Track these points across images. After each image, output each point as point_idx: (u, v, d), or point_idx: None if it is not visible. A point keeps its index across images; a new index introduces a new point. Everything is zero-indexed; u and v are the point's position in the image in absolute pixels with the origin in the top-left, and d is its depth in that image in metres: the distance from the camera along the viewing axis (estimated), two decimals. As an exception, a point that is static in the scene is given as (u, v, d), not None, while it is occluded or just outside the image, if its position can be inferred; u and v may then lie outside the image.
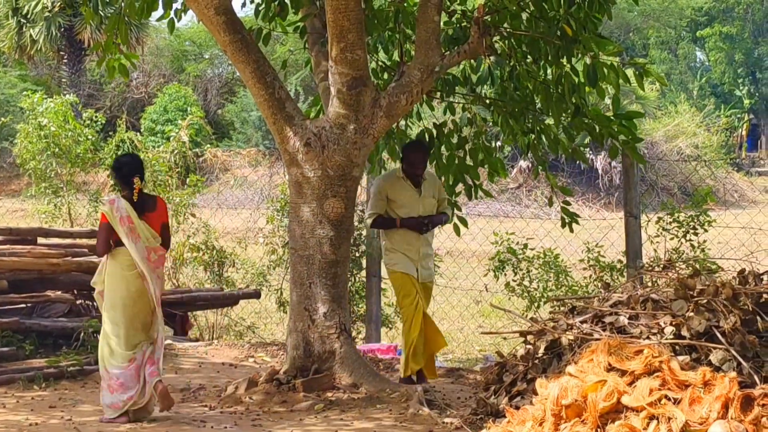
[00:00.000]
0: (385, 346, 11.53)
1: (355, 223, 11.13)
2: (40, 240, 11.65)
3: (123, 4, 9.76)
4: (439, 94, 10.15)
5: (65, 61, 37.47)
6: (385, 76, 10.17)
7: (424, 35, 8.72)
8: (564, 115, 9.48)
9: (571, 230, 10.06)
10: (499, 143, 11.24)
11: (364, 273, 12.46)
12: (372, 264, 12.28)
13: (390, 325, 12.91)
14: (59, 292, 11.00)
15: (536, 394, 5.84)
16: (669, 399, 5.32)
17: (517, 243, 11.80)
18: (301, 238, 8.76)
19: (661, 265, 8.70)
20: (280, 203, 13.20)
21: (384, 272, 12.61)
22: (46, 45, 34.57)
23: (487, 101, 10.13)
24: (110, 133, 18.46)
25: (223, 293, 12.77)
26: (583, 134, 9.81)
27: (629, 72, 8.98)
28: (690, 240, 10.75)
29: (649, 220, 11.02)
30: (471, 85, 10.18)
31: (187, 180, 14.67)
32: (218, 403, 8.55)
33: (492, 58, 9.42)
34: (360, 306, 12.50)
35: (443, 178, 10.16)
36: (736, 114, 51.61)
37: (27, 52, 35.11)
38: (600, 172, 34.12)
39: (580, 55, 8.96)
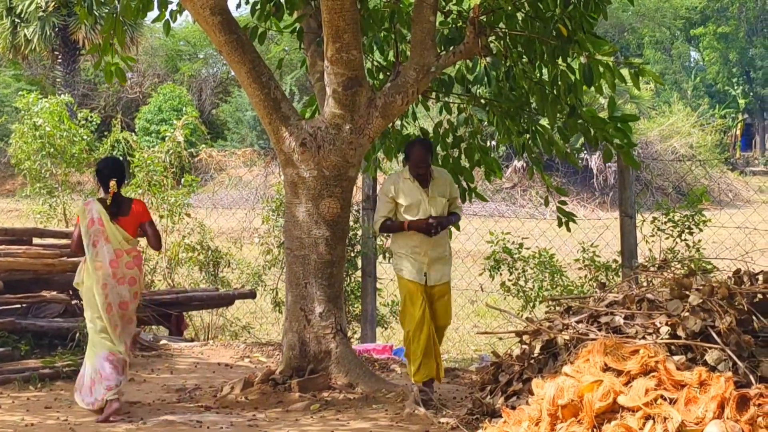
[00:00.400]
0: (380, 346, 11.53)
1: (351, 223, 11.13)
2: (36, 240, 11.65)
3: (118, 5, 9.76)
4: (434, 94, 10.15)
5: (60, 60, 37.47)
6: (381, 76, 10.17)
7: (420, 35, 8.72)
8: (559, 115, 9.49)
9: (568, 229, 10.07)
10: (494, 143, 11.24)
11: (359, 273, 12.46)
12: (367, 264, 12.29)
13: (385, 325, 12.91)
14: (54, 293, 10.99)
15: (532, 394, 5.85)
16: (665, 399, 5.32)
17: (513, 243, 11.80)
18: (296, 238, 8.76)
19: (657, 265, 8.72)
20: (276, 203, 13.19)
21: (379, 272, 12.65)
22: (41, 45, 34.55)
23: (483, 101, 10.14)
24: (105, 133, 18.44)
25: (218, 293, 12.77)
26: (578, 135, 9.82)
27: (624, 72, 8.99)
28: (685, 240, 10.76)
29: (644, 220, 11.02)
30: (466, 85, 10.19)
31: (182, 180, 14.66)
32: (214, 403, 8.54)
33: (487, 58, 9.44)
34: (355, 306, 12.51)
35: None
36: (730, 114, 51.69)
37: (21, 52, 35.08)
38: (595, 171, 34.15)
39: (575, 55, 8.98)
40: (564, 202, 10.13)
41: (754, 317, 6.85)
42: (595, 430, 5.27)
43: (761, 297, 7.10)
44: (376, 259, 12.42)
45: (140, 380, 9.79)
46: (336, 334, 8.65)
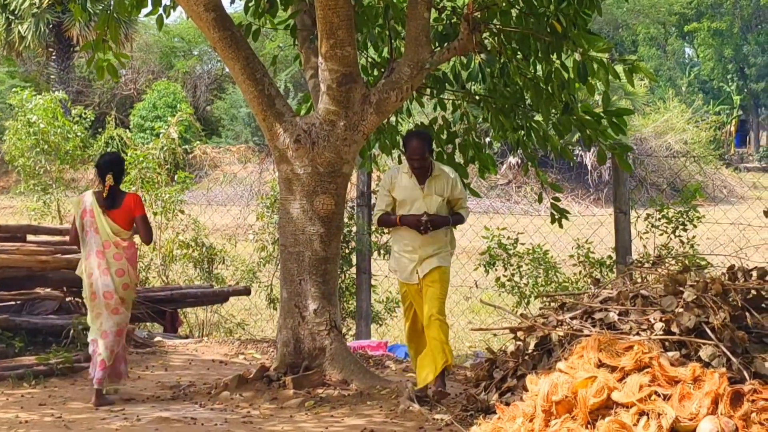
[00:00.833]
0: (375, 342, 11.53)
1: (345, 220, 11.13)
2: (30, 237, 11.63)
3: (112, 2, 9.74)
4: (429, 90, 10.15)
5: (54, 57, 37.40)
6: (375, 72, 10.17)
7: (414, 32, 8.71)
8: (553, 111, 9.50)
9: (561, 226, 10.07)
10: (488, 140, 11.24)
11: (354, 270, 12.46)
12: (362, 260, 12.29)
13: (380, 322, 12.92)
14: (49, 290, 10.99)
15: (526, 390, 5.85)
16: (659, 395, 5.33)
17: (508, 239, 11.81)
18: (291, 234, 8.76)
19: (651, 261, 8.73)
20: (270, 200, 13.18)
21: (374, 269, 12.65)
22: (35, 41, 34.49)
23: (477, 98, 10.14)
24: (99, 129, 18.47)
25: (213, 290, 12.76)
26: (573, 132, 9.83)
27: (619, 68, 9.00)
28: (679, 236, 10.77)
29: (638, 217, 11.03)
30: (461, 81, 10.18)
31: (176, 177, 14.65)
32: (208, 400, 8.54)
33: (482, 54, 9.42)
34: (350, 303, 12.51)
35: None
36: (724, 110, 51.72)
37: (15, 49, 35.01)
38: (589, 168, 34.16)
39: (569, 52, 8.98)
40: (558, 199, 10.13)
41: (747, 313, 6.86)
42: (589, 426, 5.28)
43: (755, 293, 7.11)
44: (370, 256, 12.43)
45: (134, 377, 9.78)
46: (330, 331, 8.65)
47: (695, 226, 10.89)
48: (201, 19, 8.70)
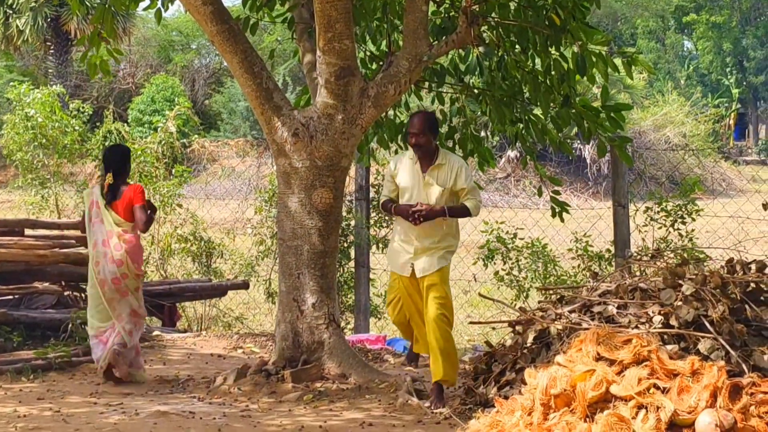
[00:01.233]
0: (373, 336, 11.53)
1: (344, 214, 11.12)
2: (28, 231, 11.61)
3: (109, -5, 9.72)
4: (427, 83, 10.13)
5: (52, 51, 37.40)
6: (373, 66, 10.14)
7: (412, 25, 8.69)
8: (552, 105, 9.48)
9: (562, 220, 10.06)
10: (487, 133, 11.22)
11: (352, 263, 12.46)
12: (360, 254, 12.28)
13: (379, 316, 12.91)
14: (47, 284, 10.97)
15: (525, 383, 5.84)
16: (658, 388, 5.32)
17: (507, 232, 11.80)
18: (289, 228, 8.75)
19: (650, 255, 8.73)
20: (268, 194, 13.18)
21: (372, 262, 12.64)
22: (33, 36, 34.49)
23: (476, 91, 10.12)
24: (97, 123, 18.46)
25: (211, 284, 12.75)
26: (571, 125, 9.81)
27: (617, 61, 8.98)
28: (678, 229, 10.77)
29: (637, 210, 11.02)
30: (459, 74, 10.16)
31: (173, 170, 14.64)
32: (207, 394, 8.54)
33: (480, 47, 9.41)
34: (349, 296, 12.51)
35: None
36: (723, 103, 51.71)
37: (13, 43, 35.02)
38: (588, 161, 34.16)
39: (568, 45, 8.96)
40: (558, 192, 10.12)
41: (746, 306, 6.86)
42: (587, 419, 5.27)
43: (754, 286, 7.11)
44: (369, 250, 12.42)
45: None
46: (329, 325, 8.64)
47: (694, 220, 10.89)
48: (199, 12, 8.68)
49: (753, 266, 7.31)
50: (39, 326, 10.49)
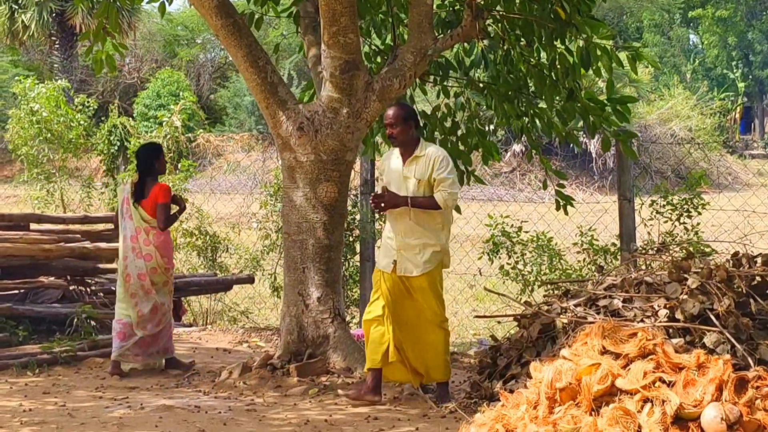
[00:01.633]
0: (379, 330, 11.50)
1: (349, 208, 11.11)
2: (33, 226, 11.62)
3: (114, -11, 9.71)
4: (432, 77, 10.12)
5: (57, 46, 37.41)
6: (378, 59, 10.14)
7: (417, 19, 8.68)
8: (557, 98, 9.47)
9: (566, 213, 10.05)
10: (492, 127, 11.20)
11: (357, 257, 12.45)
12: (365, 248, 12.27)
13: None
14: (52, 278, 10.99)
15: (530, 377, 5.83)
16: (663, 382, 5.31)
17: (512, 226, 11.79)
18: (294, 222, 8.75)
19: (655, 248, 8.71)
20: (274, 188, 13.17)
21: (377, 257, 12.62)
22: (38, 30, 34.52)
23: (481, 85, 10.11)
24: (102, 118, 18.45)
25: (216, 278, 12.76)
26: (576, 119, 9.80)
27: (622, 55, 8.97)
28: (683, 223, 10.74)
29: (642, 204, 11.00)
30: (464, 68, 10.15)
31: (179, 165, 14.64)
32: (212, 388, 8.54)
33: (485, 41, 9.40)
34: (354, 290, 12.50)
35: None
36: (729, 97, 51.61)
37: (19, 38, 35.03)
38: (594, 155, 34.10)
39: (573, 38, 8.95)
40: (562, 185, 10.11)
41: (752, 300, 6.85)
42: (593, 413, 5.26)
43: (760, 280, 7.10)
44: (374, 244, 12.40)
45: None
46: (334, 319, 8.64)
47: (700, 213, 10.86)
48: (203, 6, 8.68)
49: (759, 260, 7.30)
50: (44, 321, 10.50)
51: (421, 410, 7.63)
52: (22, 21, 34.20)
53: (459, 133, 10.20)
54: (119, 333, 9.25)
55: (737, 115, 50.61)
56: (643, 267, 8.14)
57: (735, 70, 54.87)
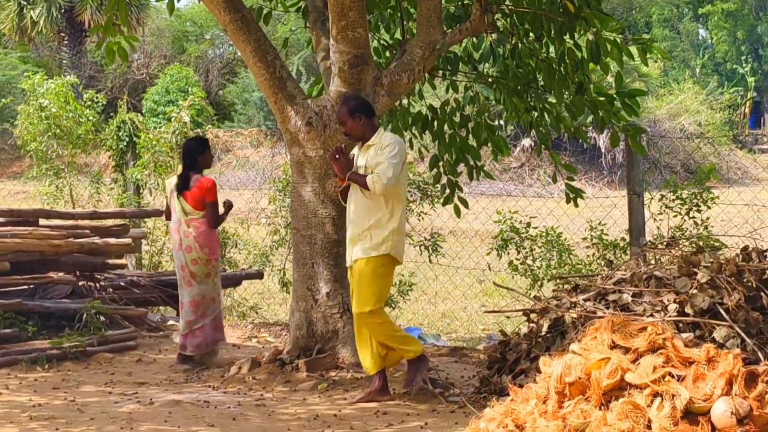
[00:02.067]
0: (388, 325, 11.50)
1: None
2: (42, 221, 11.63)
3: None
4: (440, 72, 10.10)
5: (66, 42, 37.49)
6: (387, 54, 10.13)
7: (426, 13, 8.67)
8: (566, 92, 9.44)
9: (576, 205, 10.03)
10: (501, 121, 11.18)
11: (366, 252, 12.42)
12: (375, 243, 12.24)
13: (393, 305, 12.90)
14: (61, 274, 10.99)
15: (540, 372, 5.82)
16: (673, 376, 5.29)
17: (521, 222, 11.78)
18: (303, 218, 8.74)
19: (665, 243, 8.70)
20: (282, 183, 13.17)
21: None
22: (47, 26, 34.58)
23: (490, 79, 10.09)
24: (111, 114, 18.43)
25: (225, 274, 12.74)
26: (586, 113, 9.78)
27: (632, 48, 8.94)
28: (693, 217, 10.72)
29: (652, 198, 10.98)
30: (473, 63, 10.13)
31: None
32: (221, 383, 8.55)
33: (494, 35, 9.38)
34: (363, 285, 12.46)
35: (446, 156, 10.10)
36: (739, 91, 51.48)
37: (28, 34, 35.11)
38: (603, 150, 34.05)
39: (582, 32, 8.92)
40: (572, 179, 10.09)
41: (762, 294, 6.83)
42: (602, 407, 5.25)
43: (770, 274, 7.07)
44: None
45: (148, 360, 9.81)
46: (343, 314, 8.64)
47: (709, 208, 10.84)
48: (212, 1, 8.67)
49: (768, 254, 7.28)
50: (54, 316, 10.52)
51: (430, 405, 7.62)
52: (31, 17, 34.27)
53: (469, 126, 10.17)
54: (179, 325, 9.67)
55: (747, 110, 50.50)
56: (653, 261, 8.12)
57: (744, 65, 54.75)
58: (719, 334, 6.43)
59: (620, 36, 8.89)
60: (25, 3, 34.31)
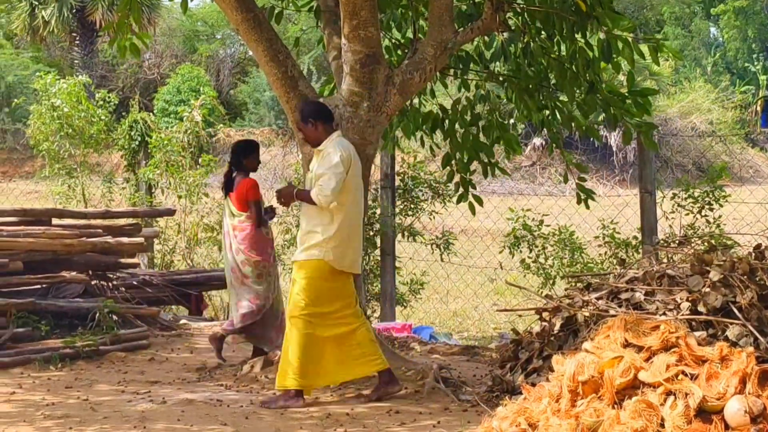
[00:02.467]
0: (399, 324, 11.53)
1: (369, 202, 11.11)
2: (55, 221, 11.66)
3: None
4: (452, 71, 10.09)
5: (77, 42, 37.54)
6: (399, 53, 10.12)
7: (438, 11, 8.66)
8: (578, 92, 9.43)
9: (587, 206, 10.01)
10: (512, 120, 11.17)
11: (378, 252, 12.45)
12: (386, 243, 12.28)
13: (405, 304, 12.91)
14: (74, 273, 11.01)
15: (552, 370, 5.82)
16: (686, 375, 5.29)
17: (533, 220, 11.77)
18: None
19: (677, 241, 8.68)
20: (294, 182, 13.17)
21: (398, 251, 12.63)
22: (58, 26, 34.64)
23: (501, 78, 10.08)
24: (123, 113, 18.48)
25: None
26: (598, 111, 9.76)
27: (643, 47, 8.92)
28: (705, 216, 10.71)
29: (664, 197, 10.97)
30: (484, 61, 10.12)
31: (200, 160, 14.68)
32: (234, 382, 8.56)
33: (505, 34, 9.36)
34: (375, 285, 12.50)
35: (458, 155, 10.09)
36: (750, 90, 51.35)
37: (39, 34, 35.16)
38: (614, 149, 34.01)
39: (594, 31, 8.90)
40: (584, 179, 10.07)
41: (775, 292, 6.82)
42: (615, 406, 5.25)
43: (782, 272, 7.06)
44: (395, 238, 12.42)
45: (161, 359, 9.82)
46: (355, 313, 8.61)
47: (721, 206, 10.82)
48: (224, 1, 8.68)
49: (781, 252, 7.26)
50: (66, 315, 10.53)
51: (442, 404, 7.62)
52: (42, 17, 34.33)
53: (481, 124, 10.16)
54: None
55: (758, 108, 50.35)
56: (665, 260, 8.11)
57: (756, 63, 54.60)
58: (732, 332, 6.43)
59: (632, 35, 8.87)
60: (37, 3, 34.37)
